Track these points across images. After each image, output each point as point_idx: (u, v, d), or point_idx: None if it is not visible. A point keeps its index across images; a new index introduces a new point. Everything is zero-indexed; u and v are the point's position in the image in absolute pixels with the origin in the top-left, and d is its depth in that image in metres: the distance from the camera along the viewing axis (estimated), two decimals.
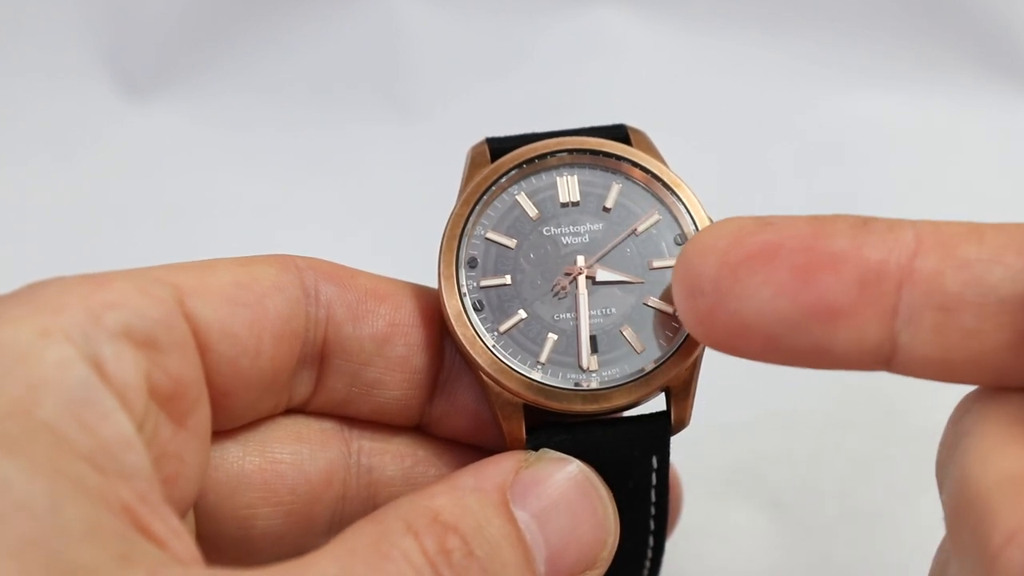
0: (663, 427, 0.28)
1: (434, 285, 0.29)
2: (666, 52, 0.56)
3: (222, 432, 0.27)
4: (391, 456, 0.29)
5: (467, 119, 0.52)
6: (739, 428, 0.45)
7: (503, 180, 0.29)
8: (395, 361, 0.28)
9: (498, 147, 0.29)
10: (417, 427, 0.30)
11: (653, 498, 0.28)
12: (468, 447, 0.29)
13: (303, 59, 0.56)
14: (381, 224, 0.52)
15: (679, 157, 0.35)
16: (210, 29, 0.55)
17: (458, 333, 0.27)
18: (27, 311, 0.21)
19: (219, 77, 0.56)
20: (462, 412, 0.29)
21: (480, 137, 0.30)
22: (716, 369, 0.30)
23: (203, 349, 0.24)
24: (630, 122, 0.31)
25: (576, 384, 0.27)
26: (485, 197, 0.29)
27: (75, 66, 0.56)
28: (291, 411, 0.29)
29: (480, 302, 0.28)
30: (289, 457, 0.28)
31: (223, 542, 0.27)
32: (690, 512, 0.39)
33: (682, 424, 0.28)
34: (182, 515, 0.24)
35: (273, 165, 0.54)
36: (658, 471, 0.28)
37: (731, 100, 0.55)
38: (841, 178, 0.54)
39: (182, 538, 0.21)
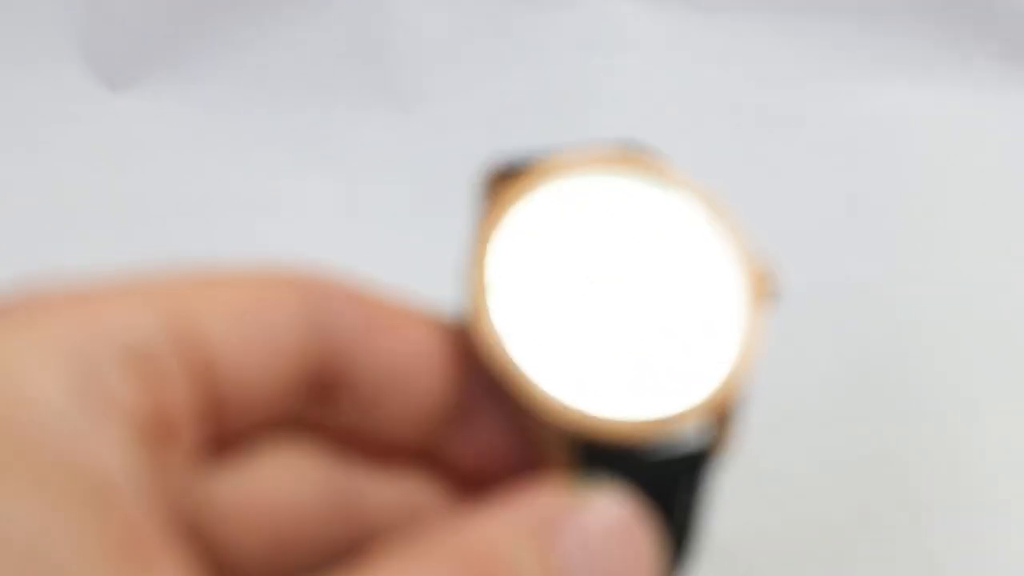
0: (708, 452, 0.26)
1: (437, 286, 0.27)
2: (676, 41, 0.55)
3: (211, 453, 0.25)
4: (390, 489, 0.27)
5: (466, 106, 0.52)
6: (744, 431, 0.45)
7: (525, 199, 0.28)
8: (404, 393, 0.26)
9: (512, 168, 0.28)
10: (420, 463, 0.28)
11: (690, 522, 0.27)
12: (469, 487, 0.28)
13: (293, 44, 0.55)
14: (377, 212, 0.51)
15: (692, 152, 0.34)
16: (194, 12, 0.54)
17: (499, 359, 0.25)
18: (15, 324, 0.20)
19: (204, 62, 0.54)
20: (473, 449, 0.27)
21: (479, 126, 0.29)
22: None
23: (199, 372, 0.23)
24: (635, 116, 0.30)
25: (623, 409, 0.25)
26: (509, 217, 0.27)
27: (49, 49, 0.55)
28: (287, 434, 0.27)
29: (515, 326, 0.26)
30: (280, 484, 0.26)
31: (204, 567, 0.25)
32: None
33: (727, 448, 0.27)
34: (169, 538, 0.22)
35: (262, 154, 0.53)
36: (698, 495, 0.27)
37: (745, 92, 0.54)
38: (863, 174, 0.53)
39: (181, 563, 0.20)
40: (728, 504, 0.42)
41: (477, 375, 0.27)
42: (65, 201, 0.51)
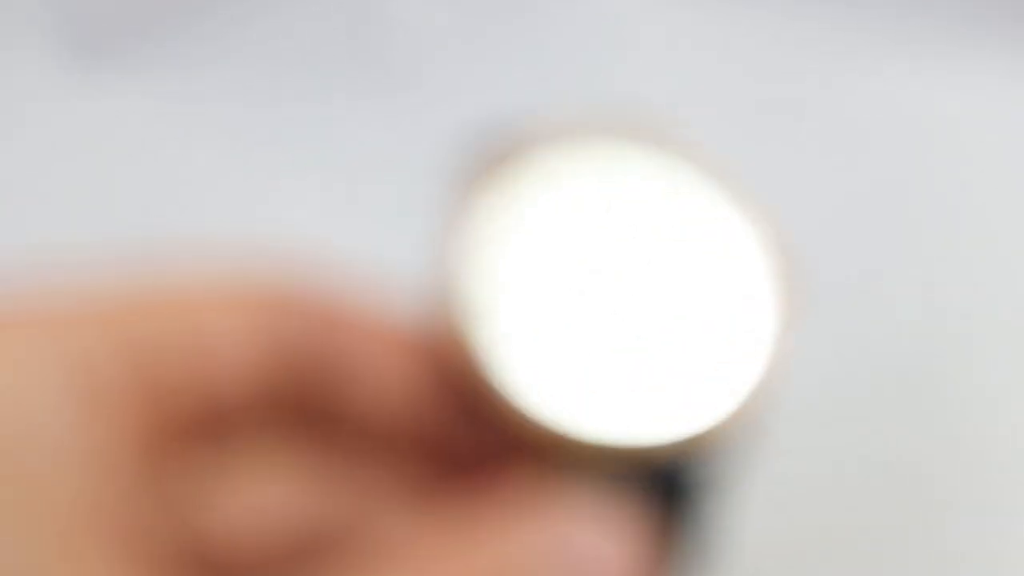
0: (715, 467, 0.25)
1: (427, 283, 0.26)
2: (676, 38, 0.55)
3: (186, 467, 0.25)
4: (377, 494, 0.27)
5: (465, 102, 0.52)
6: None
7: (509, 191, 0.26)
8: (383, 404, 0.26)
9: (495, 150, 0.27)
10: (411, 466, 0.27)
11: (698, 538, 0.26)
12: (461, 497, 0.27)
13: (287, 33, 0.54)
14: (371, 208, 0.51)
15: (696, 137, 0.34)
16: None
17: (480, 380, 0.24)
18: None
19: (192, 50, 0.54)
20: (458, 462, 0.27)
21: (478, 109, 0.28)
22: None
23: (167, 399, 0.23)
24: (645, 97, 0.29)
25: (620, 434, 0.24)
26: (489, 212, 0.26)
27: (27, 34, 0.54)
28: (268, 446, 0.26)
29: (500, 342, 0.25)
30: (262, 494, 0.26)
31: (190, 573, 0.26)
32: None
33: (744, 468, 0.26)
34: (147, 558, 0.23)
35: (252, 144, 0.53)
36: (708, 507, 0.26)
37: (747, 87, 0.54)
38: (867, 169, 0.53)
39: None
40: (748, 513, 0.42)
41: (455, 390, 0.25)
42: (44, 191, 0.51)
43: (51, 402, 0.21)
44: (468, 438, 0.26)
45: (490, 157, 0.26)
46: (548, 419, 0.23)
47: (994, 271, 0.50)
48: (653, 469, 0.24)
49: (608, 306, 0.24)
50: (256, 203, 0.52)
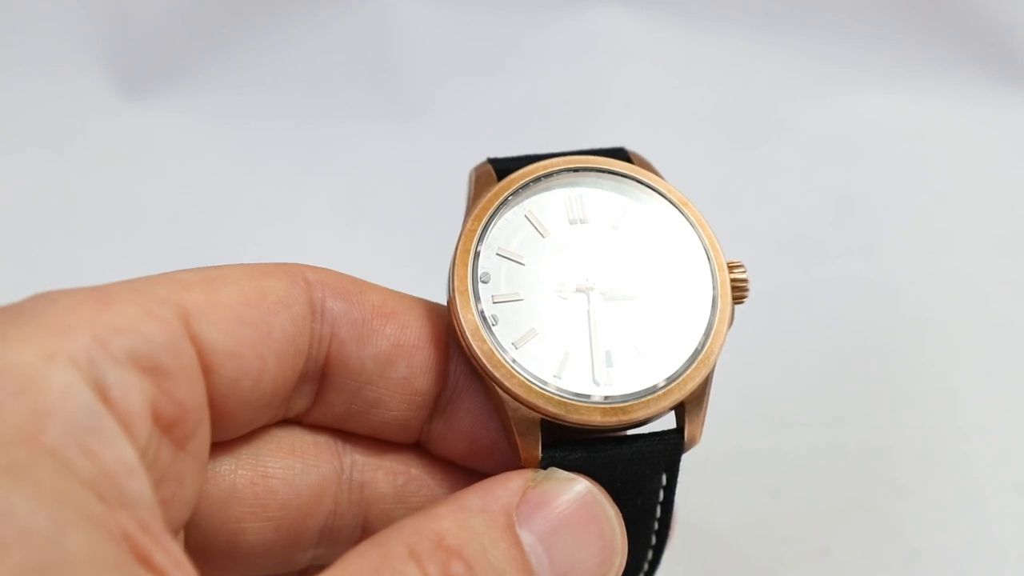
0: (675, 444, 0.27)
1: (433, 289, 0.29)
2: (664, 51, 0.56)
3: (215, 444, 0.26)
4: (384, 472, 0.28)
5: (466, 116, 0.52)
6: (736, 421, 0.45)
7: (512, 197, 0.29)
8: (396, 382, 0.27)
9: (502, 167, 0.29)
10: (414, 444, 0.29)
11: (658, 514, 0.28)
12: (463, 468, 0.29)
13: (301, 57, 0.55)
14: (379, 220, 0.51)
15: (678, 156, 0.34)
16: (207, 26, 0.54)
17: (475, 348, 0.27)
18: (32, 331, 0.21)
19: (216, 74, 0.55)
20: (459, 436, 0.28)
21: (479, 137, 0.30)
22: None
23: (207, 372, 0.24)
24: (629, 127, 0.30)
25: (594, 397, 0.27)
26: (496, 214, 0.28)
27: (72, 62, 0.55)
28: (286, 422, 0.28)
29: (495, 317, 0.27)
30: (281, 471, 0.27)
31: (211, 553, 0.27)
32: (686, 505, 0.39)
33: (693, 441, 0.28)
34: (175, 533, 0.24)
35: (271, 162, 0.54)
36: (666, 488, 0.28)
37: (730, 99, 0.55)
38: (841, 177, 0.53)
39: (183, 567, 0.21)
40: (723, 494, 0.43)
41: (460, 362, 0.28)
42: (85, 205, 0.52)
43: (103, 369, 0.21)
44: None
45: (490, 179, 0.29)
46: (525, 376, 0.26)
47: (950, 274, 0.50)
48: (615, 435, 0.27)
49: (582, 299, 0.28)
50: (277, 210, 0.52)
